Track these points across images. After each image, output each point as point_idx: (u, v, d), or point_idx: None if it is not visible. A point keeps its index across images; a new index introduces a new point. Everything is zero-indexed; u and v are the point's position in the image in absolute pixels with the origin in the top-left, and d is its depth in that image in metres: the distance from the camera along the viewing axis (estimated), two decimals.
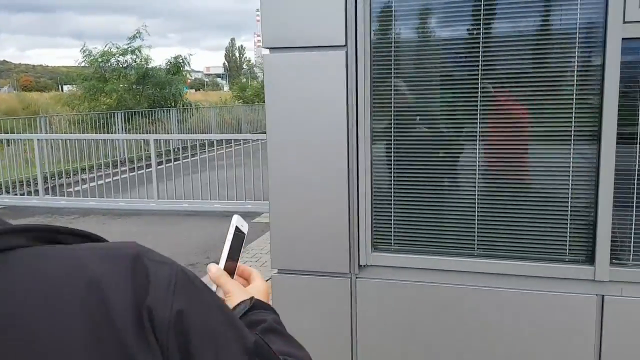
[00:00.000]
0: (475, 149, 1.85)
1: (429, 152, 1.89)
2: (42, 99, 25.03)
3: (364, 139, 1.87)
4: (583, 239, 1.77)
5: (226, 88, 67.43)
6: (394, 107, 1.88)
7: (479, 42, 1.79)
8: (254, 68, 71.49)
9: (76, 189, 8.96)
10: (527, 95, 1.78)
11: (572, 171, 1.76)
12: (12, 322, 0.48)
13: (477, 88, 1.80)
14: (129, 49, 17.46)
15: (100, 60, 17.14)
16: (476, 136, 1.83)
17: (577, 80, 1.73)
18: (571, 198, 1.77)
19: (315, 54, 1.87)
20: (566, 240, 1.78)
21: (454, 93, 1.87)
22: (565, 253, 1.79)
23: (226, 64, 77.86)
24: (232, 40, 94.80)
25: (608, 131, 1.68)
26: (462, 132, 1.89)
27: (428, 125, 1.94)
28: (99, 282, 0.52)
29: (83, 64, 17.52)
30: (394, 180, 1.92)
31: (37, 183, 8.57)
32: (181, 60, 18.22)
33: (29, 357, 0.48)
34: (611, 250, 1.72)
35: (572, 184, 1.76)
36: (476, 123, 1.83)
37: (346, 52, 1.84)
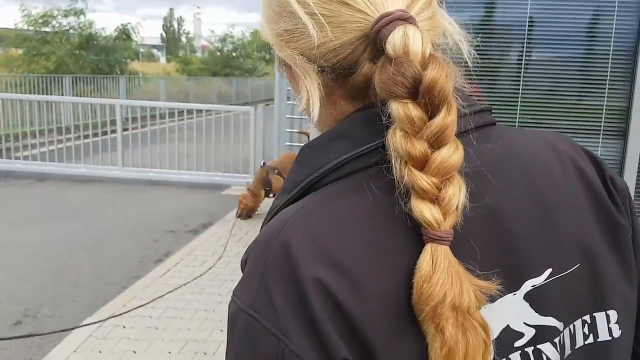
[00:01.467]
0: None
1: None
2: None
3: None
4: None
5: (163, 60, 64.96)
6: None
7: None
8: (192, 42, 69.43)
9: (33, 152, 8.56)
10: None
11: None
12: (513, 165, 0.58)
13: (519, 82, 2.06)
14: (72, 10, 16.57)
15: (41, 21, 16.13)
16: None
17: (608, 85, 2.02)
18: None
19: None
20: None
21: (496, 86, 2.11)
22: None
23: (164, 34, 74.83)
24: (171, 10, 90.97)
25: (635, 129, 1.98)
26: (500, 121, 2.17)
27: None
28: (568, 154, 0.62)
29: (21, 25, 16.42)
30: None
31: None
32: (130, 28, 17.52)
33: (529, 193, 0.58)
34: None
35: None
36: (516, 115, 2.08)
37: None
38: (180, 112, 8.22)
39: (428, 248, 0.50)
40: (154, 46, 79.10)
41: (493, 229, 0.55)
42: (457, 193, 0.50)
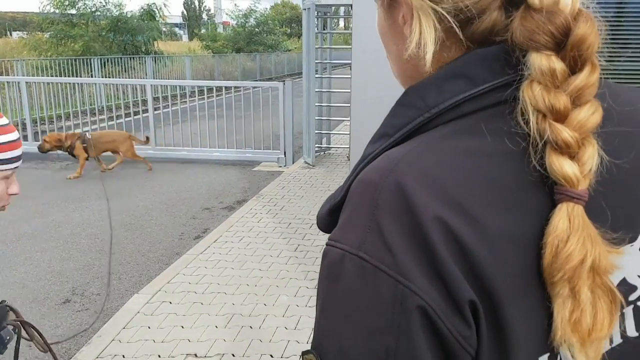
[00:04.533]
0: None
1: None
2: None
3: None
4: None
5: (185, 38, 65.00)
6: None
7: None
8: (214, 18, 69.18)
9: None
10: None
11: None
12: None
13: None
14: None
15: (67, 3, 16.26)
16: None
17: None
18: None
19: None
20: None
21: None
22: None
23: (185, 13, 74.74)
24: None
25: None
26: None
27: None
28: None
29: (48, 8, 16.58)
30: None
31: (25, 128, 8.28)
32: (155, 9, 17.54)
33: None
34: None
35: None
36: None
37: None
38: (209, 90, 8.23)
39: (564, 207, 0.47)
40: (176, 25, 79.25)
41: (616, 185, 0.53)
42: (594, 154, 0.48)
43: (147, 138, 7.39)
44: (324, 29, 7.44)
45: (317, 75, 7.35)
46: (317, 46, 7.18)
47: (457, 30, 0.53)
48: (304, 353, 0.53)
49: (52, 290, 3.78)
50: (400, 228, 0.47)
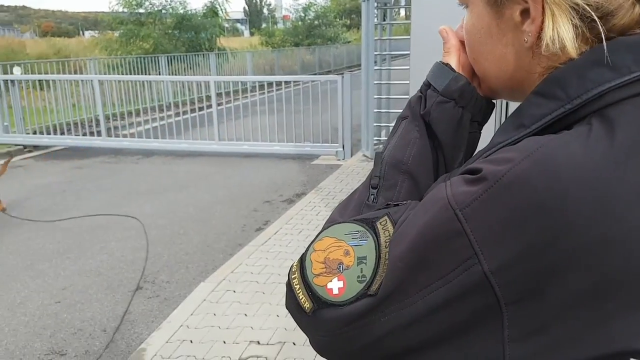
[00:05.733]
0: None
1: None
2: (71, 44, 25.11)
3: None
4: None
5: (246, 34, 66.22)
6: None
7: None
8: (274, 13, 70.05)
9: (138, 129, 9.21)
10: None
11: None
12: None
13: None
14: None
15: (134, 3, 17.02)
16: None
17: None
18: None
19: None
20: None
21: None
22: None
23: (246, 8, 76.09)
24: None
25: None
26: None
27: None
28: None
29: (116, 8, 17.44)
30: None
31: (98, 124, 8.78)
32: (217, 6, 18.05)
33: None
34: None
35: None
36: None
37: None
38: (269, 84, 8.39)
39: None
40: (237, 20, 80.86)
41: None
42: None
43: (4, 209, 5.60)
44: (383, 20, 7.39)
45: (376, 67, 7.32)
46: (376, 37, 7.15)
47: (599, 25, 0.51)
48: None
49: (125, 278, 4.02)
50: (507, 210, 0.48)
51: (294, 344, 2.95)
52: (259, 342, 2.99)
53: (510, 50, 0.58)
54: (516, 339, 0.49)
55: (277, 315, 3.26)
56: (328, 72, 22.12)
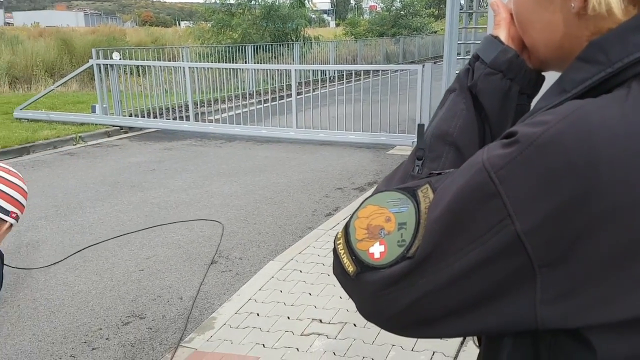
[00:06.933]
0: None
1: None
2: (167, 34, 26.59)
3: None
4: None
5: (332, 24, 66.51)
6: None
7: None
8: (361, 3, 69.82)
9: (223, 115, 9.66)
10: None
11: None
12: None
13: None
14: None
15: None
16: None
17: None
18: None
19: None
20: None
21: None
22: None
23: None
24: None
25: None
26: None
27: None
28: None
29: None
30: None
31: (187, 109, 9.29)
32: None
33: None
34: None
35: None
36: None
37: None
38: (349, 74, 8.45)
39: None
40: (324, 11, 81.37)
41: None
42: None
43: None
44: (470, 8, 7.19)
45: (458, 57, 7.14)
46: (460, 26, 6.97)
47: None
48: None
49: (202, 252, 4.29)
50: (541, 172, 0.49)
51: (355, 325, 3.03)
52: (321, 321, 3.10)
53: (558, 17, 0.58)
54: (549, 301, 0.49)
55: (340, 297, 3.35)
56: (412, 63, 21.81)
